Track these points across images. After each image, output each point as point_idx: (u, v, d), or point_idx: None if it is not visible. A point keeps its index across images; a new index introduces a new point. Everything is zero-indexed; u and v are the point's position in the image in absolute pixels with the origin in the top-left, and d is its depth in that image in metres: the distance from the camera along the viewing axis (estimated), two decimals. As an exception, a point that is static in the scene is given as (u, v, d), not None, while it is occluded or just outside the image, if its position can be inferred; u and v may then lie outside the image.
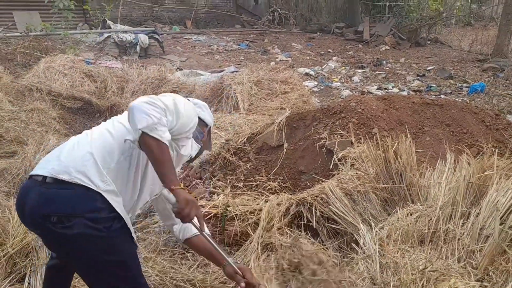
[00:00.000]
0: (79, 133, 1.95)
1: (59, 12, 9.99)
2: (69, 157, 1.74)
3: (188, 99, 2.11)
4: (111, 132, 1.84)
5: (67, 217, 1.63)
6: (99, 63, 8.53)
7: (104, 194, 1.68)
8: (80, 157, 1.72)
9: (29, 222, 1.74)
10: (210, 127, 2.21)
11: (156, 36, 11.18)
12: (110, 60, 9.44)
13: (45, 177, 1.69)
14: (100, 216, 1.67)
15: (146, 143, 1.66)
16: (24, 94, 5.82)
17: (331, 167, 3.55)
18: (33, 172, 1.76)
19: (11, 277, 2.57)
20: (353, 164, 3.36)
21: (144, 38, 10.73)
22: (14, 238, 2.71)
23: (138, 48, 10.55)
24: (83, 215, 1.64)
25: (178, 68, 9.42)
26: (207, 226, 3.26)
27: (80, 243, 1.66)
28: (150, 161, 1.75)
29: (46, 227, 1.64)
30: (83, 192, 1.66)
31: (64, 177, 1.66)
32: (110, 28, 11.24)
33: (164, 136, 1.68)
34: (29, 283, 2.52)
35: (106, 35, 10.76)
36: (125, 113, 1.92)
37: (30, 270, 2.59)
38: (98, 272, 1.75)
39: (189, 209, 1.67)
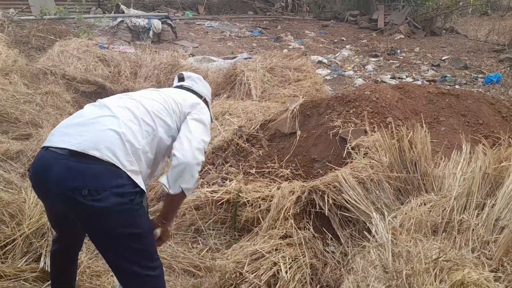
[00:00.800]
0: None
1: (73, -4, 10.00)
2: (96, 133, 1.79)
3: (182, 73, 2.44)
4: (138, 118, 1.93)
5: (97, 190, 1.69)
6: (112, 48, 8.54)
7: (128, 173, 1.78)
8: (110, 136, 1.79)
9: (54, 194, 1.75)
10: (204, 98, 2.38)
11: (169, 22, 11.14)
12: (123, 45, 9.44)
13: (71, 151, 1.73)
14: (126, 191, 1.77)
15: (179, 196, 1.95)
16: (39, 78, 5.86)
17: (344, 155, 3.53)
18: (53, 144, 1.77)
19: (27, 257, 2.62)
20: (367, 153, 3.34)
21: (157, 23, 10.70)
22: (30, 218, 2.76)
23: (151, 33, 10.54)
24: (111, 189, 1.72)
25: (190, 54, 9.40)
26: (220, 212, 3.30)
27: (107, 215, 1.73)
28: (168, 201, 2.04)
29: (77, 200, 1.68)
30: (111, 168, 1.74)
31: (95, 153, 1.72)
32: (123, 12, 11.23)
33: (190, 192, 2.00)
34: (44, 263, 2.57)
35: (119, 19, 10.75)
36: (150, 93, 2.13)
37: (46, 250, 2.63)
38: (118, 245, 1.83)
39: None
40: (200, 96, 2.35)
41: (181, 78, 2.47)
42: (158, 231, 2.04)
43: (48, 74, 5.90)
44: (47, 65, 6.08)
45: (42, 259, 2.61)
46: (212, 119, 2.42)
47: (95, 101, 2.03)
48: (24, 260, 2.60)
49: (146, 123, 1.94)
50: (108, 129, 1.81)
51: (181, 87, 2.39)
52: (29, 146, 4.13)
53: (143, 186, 1.85)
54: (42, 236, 2.73)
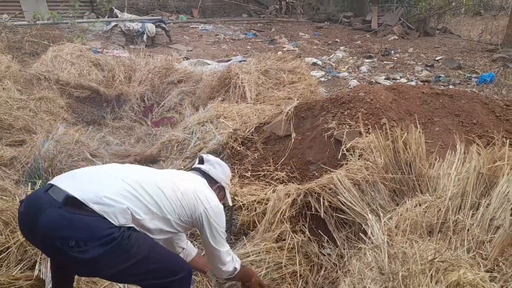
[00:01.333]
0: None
1: (66, 1, 9.98)
2: (107, 190, 1.81)
3: (202, 156, 2.44)
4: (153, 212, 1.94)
5: (85, 241, 1.68)
6: (106, 52, 8.53)
7: (122, 227, 1.80)
8: (116, 201, 1.81)
9: (39, 239, 1.77)
10: (220, 184, 2.39)
11: (163, 25, 11.14)
12: (117, 49, 9.43)
13: (69, 198, 1.73)
14: (115, 236, 1.75)
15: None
16: (32, 83, 5.83)
17: (339, 157, 3.53)
18: (62, 187, 1.77)
19: (22, 264, 2.59)
20: (362, 154, 3.35)
21: (151, 27, 10.70)
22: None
23: (145, 37, 10.53)
24: (100, 240, 1.71)
25: (185, 57, 9.39)
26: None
27: (98, 262, 1.73)
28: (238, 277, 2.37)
29: (62, 250, 1.67)
30: (103, 221, 1.75)
31: (94, 207, 1.73)
32: (117, 17, 11.21)
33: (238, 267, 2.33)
34: (39, 270, 2.54)
35: (113, 24, 10.73)
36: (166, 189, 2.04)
37: (41, 258, 2.61)
38: (125, 277, 1.89)
39: None
40: (215, 182, 2.36)
41: (201, 161, 2.45)
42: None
43: (42, 79, 5.87)
44: (41, 70, 6.05)
45: (37, 266, 2.59)
46: (230, 202, 2.51)
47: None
48: (18, 268, 2.57)
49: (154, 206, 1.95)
50: (120, 197, 1.83)
51: (199, 170, 2.39)
52: (23, 152, 4.10)
53: (130, 224, 1.84)
54: (36, 244, 2.70)
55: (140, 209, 1.88)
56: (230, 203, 2.56)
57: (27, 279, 2.49)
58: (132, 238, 1.81)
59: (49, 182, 1.83)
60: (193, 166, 2.47)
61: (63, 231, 1.67)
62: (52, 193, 1.76)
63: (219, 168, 2.42)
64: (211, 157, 2.47)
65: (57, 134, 4.40)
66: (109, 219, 1.75)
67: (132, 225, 1.84)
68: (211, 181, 2.34)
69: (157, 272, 1.92)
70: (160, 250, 1.98)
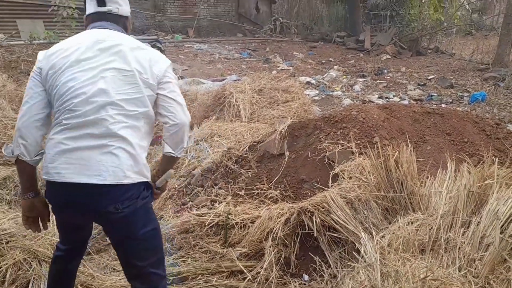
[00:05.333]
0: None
1: (62, 21, 10.04)
2: (115, 160, 1.81)
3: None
4: (139, 127, 1.91)
5: (122, 202, 1.82)
6: (102, 72, 8.56)
7: (138, 180, 1.88)
8: (128, 159, 1.83)
9: (83, 215, 1.92)
10: (129, 17, 2.15)
11: (159, 45, 11.24)
12: (112, 68, 9.47)
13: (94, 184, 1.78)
14: (140, 192, 1.90)
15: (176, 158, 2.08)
16: (27, 102, 5.85)
17: (331, 175, 3.56)
18: (68, 180, 1.78)
19: (15, 285, 2.58)
20: (351, 178, 3.37)
21: (146, 47, 10.78)
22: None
23: (140, 56, 10.60)
24: (136, 199, 1.87)
25: (180, 76, 9.46)
26: (209, 236, 3.28)
27: (128, 220, 1.87)
28: (168, 162, 2.09)
29: (110, 213, 1.82)
30: (125, 186, 1.83)
31: (127, 181, 1.82)
32: (113, 36, 11.29)
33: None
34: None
35: (109, 43, 10.80)
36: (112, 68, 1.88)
37: (34, 278, 2.60)
38: (141, 245, 1.95)
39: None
40: (126, 17, 2.09)
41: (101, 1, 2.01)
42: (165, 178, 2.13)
43: (37, 98, 5.89)
44: (36, 89, 6.07)
45: (30, 286, 2.57)
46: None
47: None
48: (11, 289, 2.56)
49: (135, 117, 1.88)
50: (121, 152, 1.82)
51: (104, 15, 2.00)
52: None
53: (149, 177, 1.96)
54: (29, 265, 2.69)
55: (134, 138, 1.89)
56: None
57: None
58: (151, 208, 2.03)
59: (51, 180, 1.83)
60: (91, 11, 2.01)
61: (101, 203, 1.81)
62: (73, 184, 1.79)
63: (123, 1, 2.07)
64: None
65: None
66: (129, 183, 1.83)
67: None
68: (122, 19, 2.06)
69: (160, 255, 2.05)
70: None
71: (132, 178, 1.83)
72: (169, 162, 2.09)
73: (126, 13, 2.09)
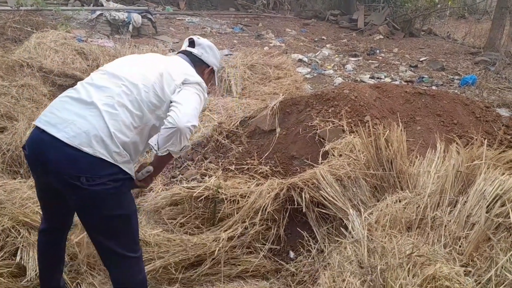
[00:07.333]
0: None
1: (50, -13, 9.78)
2: (90, 129, 1.84)
3: (193, 38, 2.38)
4: (128, 108, 1.95)
5: (92, 178, 1.83)
6: (91, 41, 8.40)
7: (121, 165, 1.91)
8: (100, 130, 1.85)
9: (54, 177, 1.87)
10: (211, 68, 2.39)
11: (149, 16, 11.02)
12: (102, 39, 9.30)
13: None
14: (119, 177, 1.92)
15: (166, 157, 2.02)
16: (15, 70, 5.72)
17: (322, 153, 3.58)
18: (48, 130, 1.83)
19: (3, 251, 2.57)
20: (341, 155, 3.40)
21: (137, 18, 10.56)
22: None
23: (130, 27, 10.39)
24: (106, 177, 1.86)
25: (171, 49, 9.32)
26: (199, 208, 3.29)
27: (103, 198, 1.89)
28: (156, 160, 2.10)
29: (76, 185, 1.82)
30: (104, 160, 1.85)
31: (88, 150, 1.81)
32: (102, 5, 11.04)
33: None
34: (21, 258, 2.53)
35: (98, 12, 10.56)
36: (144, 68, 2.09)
37: (23, 245, 2.59)
38: (109, 226, 1.98)
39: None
40: (207, 65, 2.37)
41: (191, 43, 2.39)
42: (145, 172, 2.11)
43: (25, 66, 5.77)
44: (23, 57, 5.94)
45: (18, 253, 2.57)
46: (218, 83, 2.50)
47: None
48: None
49: (136, 114, 1.96)
50: (98, 123, 1.86)
51: (190, 54, 2.34)
52: (4, 139, 4.03)
53: (131, 173, 1.99)
54: (18, 233, 2.68)
55: (127, 128, 1.94)
56: (219, 83, 2.58)
57: (7, 267, 2.47)
58: (129, 193, 2.04)
59: (40, 126, 1.87)
60: (183, 49, 2.40)
61: (72, 168, 1.81)
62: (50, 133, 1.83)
63: (211, 52, 2.40)
64: (202, 40, 2.40)
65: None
66: (109, 160, 1.86)
67: (126, 161, 1.94)
68: (203, 65, 2.35)
69: (126, 238, 2.05)
70: (136, 221, 2.11)
71: (95, 150, 1.83)
72: (154, 155, 2.11)
73: (207, 61, 2.36)
